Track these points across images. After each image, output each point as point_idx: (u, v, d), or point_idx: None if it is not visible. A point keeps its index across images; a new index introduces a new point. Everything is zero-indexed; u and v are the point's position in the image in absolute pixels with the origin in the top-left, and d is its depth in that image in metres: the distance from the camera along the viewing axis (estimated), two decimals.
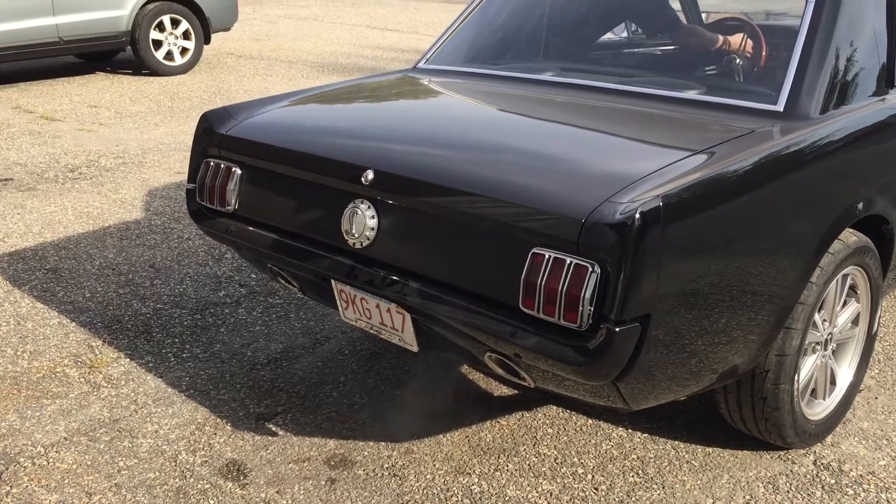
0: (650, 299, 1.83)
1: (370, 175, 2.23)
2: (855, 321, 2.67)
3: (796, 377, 2.37)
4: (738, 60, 3.46)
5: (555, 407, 2.82)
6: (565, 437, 2.66)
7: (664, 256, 1.83)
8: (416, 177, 2.17)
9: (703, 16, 4.48)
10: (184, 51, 8.82)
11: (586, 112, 2.58)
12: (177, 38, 8.74)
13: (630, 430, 2.69)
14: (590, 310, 1.82)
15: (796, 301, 2.24)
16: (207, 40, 9.01)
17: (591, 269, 1.82)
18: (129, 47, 8.59)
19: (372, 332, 2.45)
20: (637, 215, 1.78)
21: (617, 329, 1.80)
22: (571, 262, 1.84)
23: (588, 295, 1.81)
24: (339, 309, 2.50)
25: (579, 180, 1.99)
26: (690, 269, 1.91)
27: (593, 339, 1.82)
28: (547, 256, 1.88)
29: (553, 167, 2.11)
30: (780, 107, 2.36)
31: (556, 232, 1.88)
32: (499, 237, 2.00)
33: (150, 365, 3.10)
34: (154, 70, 8.64)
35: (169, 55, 8.72)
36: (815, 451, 2.58)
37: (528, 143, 2.29)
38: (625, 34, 4.43)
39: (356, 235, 2.26)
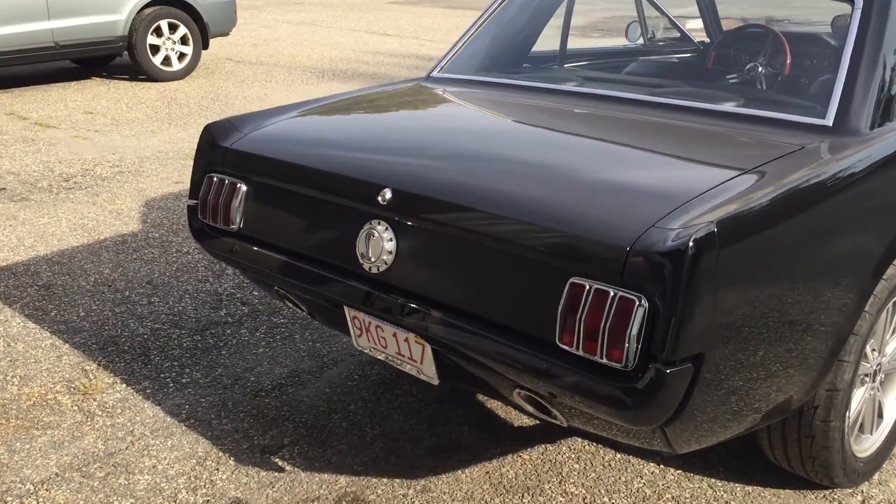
0: (704, 337, 1.65)
1: (387, 194, 2.06)
2: None
3: (847, 413, 2.20)
4: (767, 70, 3.30)
5: (580, 439, 2.64)
6: (593, 474, 2.48)
7: (719, 289, 1.66)
8: (437, 196, 2.00)
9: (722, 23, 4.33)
10: (181, 56, 8.64)
11: (618, 126, 2.41)
12: (174, 43, 8.55)
13: (662, 467, 2.51)
14: (636, 347, 1.65)
15: (851, 331, 2.07)
16: (205, 45, 8.83)
17: (637, 303, 1.64)
18: (125, 52, 8.41)
19: (387, 362, 2.27)
20: (691, 243, 1.61)
21: (668, 371, 1.62)
22: (615, 294, 1.67)
23: (634, 332, 1.64)
24: (352, 336, 2.32)
25: (621, 202, 1.82)
26: (746, 301, 1.74)
27: (641, 381, 1.65)
28: (587, 287, 1.71)
29: (589, 186, 1.94)
30: (828, 121, 2.18)
31: (597, 260, 1.71)
32: (531, 264, 1.83)
33: (148, 391, 2.92)
34: (151, 75, 8.46)
35: (166, 60, 8.53)
36: (862, 491, 2.40)
37: (560, 160, 2.12)
38: (640, 41, 4.27)
39: (372, 259, 2.08)
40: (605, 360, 1.68)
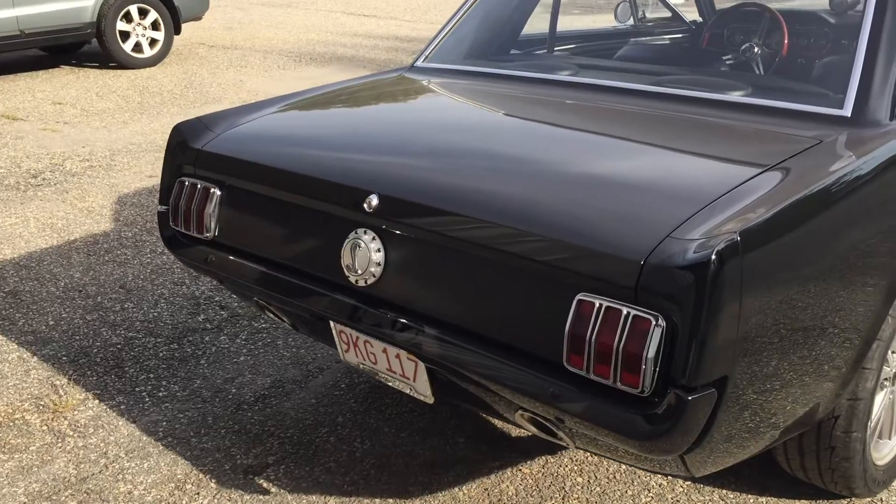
0: (729, 358, 1.51)
1: (374, 200, 1.90)
2: None
3: (869, 423, 2.07)
4: (764, 50, 3.15)
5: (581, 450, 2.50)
6: (598, 488, 2.34)
7: (743, 305, 1.51)
8: (428, 203, 1.84)
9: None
10: (153, 42, 8.37)
11: (620, 119, 2.25)
12: (145, 28, 8.29)
13: (670, 479, 2.38)
14: (654, 371, 1.50)
15: (875, 337, 1.94)
16: (177, 30, 8.56)
17: (654, 323, 1.49)
18: (94, 39, 8.14)
19: (378, 378, 2.11)
20: (713, 256, 1.45)
21: (689, 398, 1.48)
22: (629, 312, 1.52)
23: (651, 355, 1.49)
24: (339, 351, 2.16)
25: (631, 207, 1.66)
26: (771, 315, 1.59)
27: (659, 408, 1.50)
28: (597, 305, 1.55)
29: (596, 189, 1.78)
30: (846, 111, 2.03)
31: (607, 275, 1.56)
32: (533, 277, 1.67)
33: (122, 407, 2.74)
34: (122, 63, 8.20)
35: (137, 47, 8.27)
36: (882, 499, 2.28)
37: (561, 160, 1.96)
38: (631, 21, 4.10)
39: (359, 272, 1.92)
40: (619, 385, 1.54)
